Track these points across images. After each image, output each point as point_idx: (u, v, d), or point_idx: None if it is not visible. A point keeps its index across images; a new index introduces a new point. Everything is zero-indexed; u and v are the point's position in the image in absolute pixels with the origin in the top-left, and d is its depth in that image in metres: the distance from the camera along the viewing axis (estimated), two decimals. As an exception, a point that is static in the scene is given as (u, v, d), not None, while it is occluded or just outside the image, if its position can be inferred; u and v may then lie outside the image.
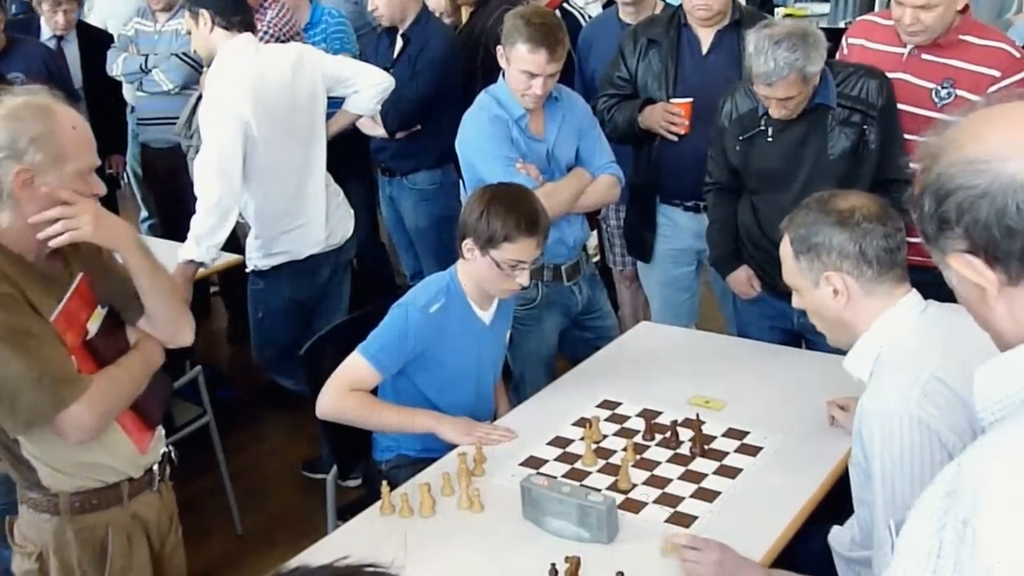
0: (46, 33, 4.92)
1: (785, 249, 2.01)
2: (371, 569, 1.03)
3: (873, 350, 1.92)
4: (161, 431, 2.23)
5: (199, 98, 3.60)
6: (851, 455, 1.99)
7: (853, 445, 1.95)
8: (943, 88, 3.00)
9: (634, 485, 2.29)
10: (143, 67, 4.58)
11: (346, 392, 2.54)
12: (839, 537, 2.04)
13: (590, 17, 4.56)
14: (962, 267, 1.08)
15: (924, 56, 3.04)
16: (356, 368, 2.54)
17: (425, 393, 2.64)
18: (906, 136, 2.96)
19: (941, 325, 1.86)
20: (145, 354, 2.11)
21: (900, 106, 2.99)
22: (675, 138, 3.38)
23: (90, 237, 1.94)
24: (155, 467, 2.16)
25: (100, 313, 2.05)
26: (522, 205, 2.54)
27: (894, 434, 1.76)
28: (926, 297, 1.96)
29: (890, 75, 3.02)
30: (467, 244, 2.55)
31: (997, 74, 2.94)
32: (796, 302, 2.06)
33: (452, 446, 2.50)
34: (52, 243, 1.91)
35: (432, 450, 2.56)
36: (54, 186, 1.88)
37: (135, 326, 2.13)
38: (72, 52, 4.90)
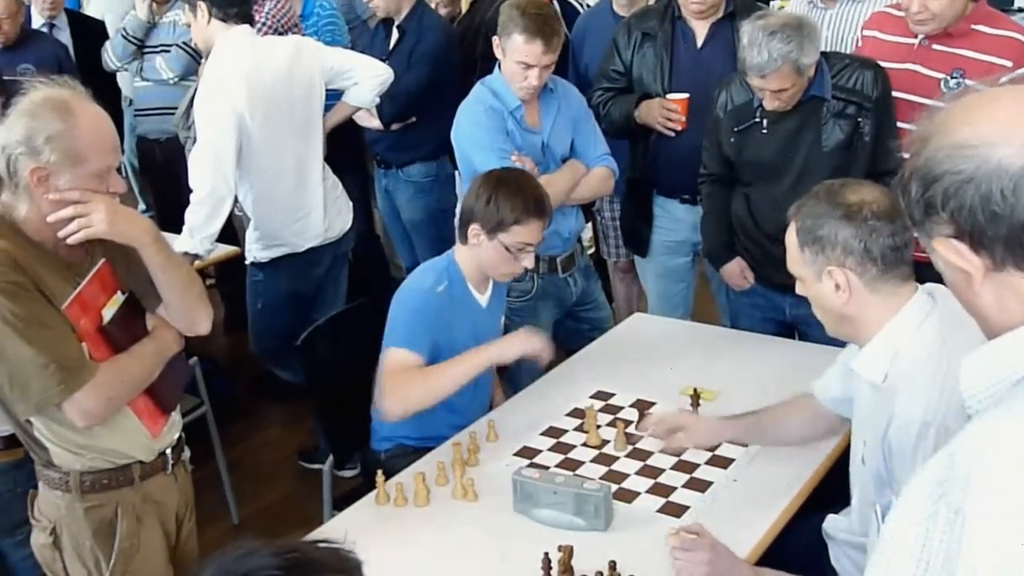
0: (37, 21, 4.92)
1: (791, 238, 1.99)
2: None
3: (888, 352, 1.90)
4: (176, 416, 2.26)
5: (197, 89, 3.61)
6: (852, 454, 1.99)
7: (854, 443, 1.94)
8: (952, 78, 2.99)
9: (626, 475, 2.31)
10: (137, 43, 4.55)
11: (398, 386, 2.47)
12: (836, 524, 2.04)
13: (588, 6, 4.56)
14: (947, 252, 1.07)
15: (935, 46, 3.03)
16: (397, 361, 2.48)
17: None
18: (912, 126, 2.94)
19: (954, 322, 1.81)
20: (159, 341, 2.13)
21: (909, 96, 2.98)
22: (672, 134, 3.38)
23: (104, 234, 1.96)
24: (168, 451, 2.19)
25: (118, 299, 2.07)
26: (529, 188, 2.61)
27: (930, 445, 1.74)
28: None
29: (900, 65, 3.01)
30: (473, 229, 2.58)
31: (1009, 63, 2.92)
32: (800, 290, 2.04)
33: (450, 435, 2.53)
34: (69, 240, 1.95)
35: (431, 439, 2.57)
36: (67, 187, 1.91)
37: (154, 313, 2.16)
38: (64, 39, 4.88)
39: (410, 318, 2.53)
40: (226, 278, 4.79)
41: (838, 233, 1.89)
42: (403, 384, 2.46)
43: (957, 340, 1.76)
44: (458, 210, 3.84)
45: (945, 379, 1.77)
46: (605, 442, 2.45)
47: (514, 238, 2.55)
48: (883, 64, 2.99)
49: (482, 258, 2.62)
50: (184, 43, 4.48)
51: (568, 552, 1.95)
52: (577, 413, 2.59)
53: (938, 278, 1.18)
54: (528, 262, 2.61)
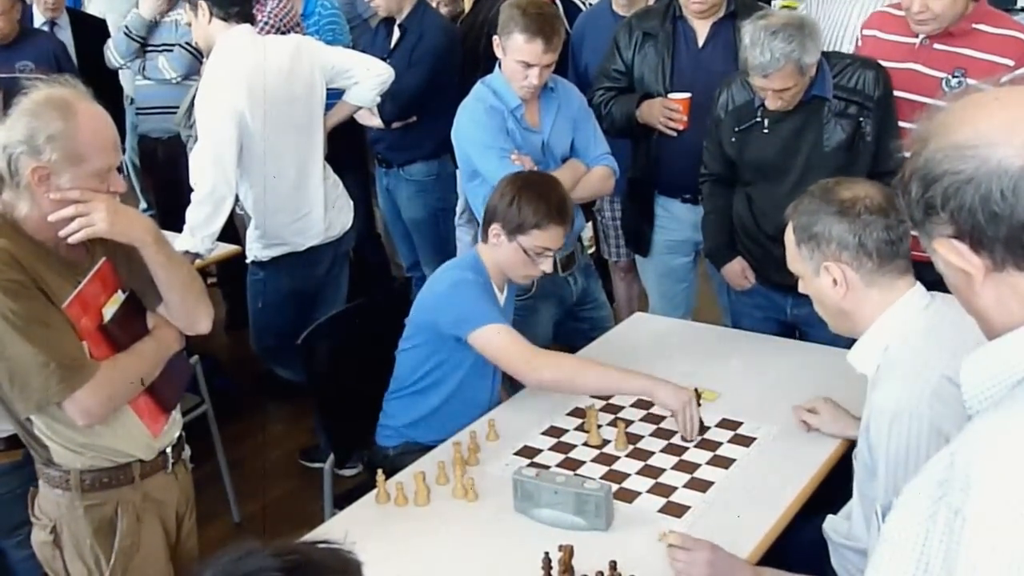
0: (38, 19, 4.92)
1: (789, 236, 2.02)
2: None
3: (879, 345, 1.92)
4: (177, 414, 2.26)
5: (198, 89, 3.61)
6: (856, 449, 2.00)
7: (859, 440, 1.95)
8: (953, 77, 2.98)
9: (627, 475, 2.31)
10: (140, 41, 4.55)
11: (545, 356, 2.51)
12: (835, 525, 2.04)
13: (590, 4, 4.56)
14: (948, 252, 1.07)
15: (936, 46, 3.02)
16: (502, 336, 2.49)
17: (452, 374, 2.64)
18: (913, 126, 2.93)
19: (947, 319, 1.84)
20: (159, 340, 2.14)
21: (911, 96, 2.97)
22: (674, 134, 3.38)
23: (105, 233, 1.96)
24: (169, 449, 2.19)
25: (119, 298, 2.08)
26: (553, 194, 2.62)
27: (903, 433, 1.76)
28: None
29: (901, 65, 3.00)
30: (494, 229, 2.60)
31: (1011, 63, 2.90)
32: (801, 287, 2.06)
33: (454, 433, 2.52)
34: (70, 240, 1.95)
35: (441, 434, 2.56)
36: (68, 186, 1.91)
37: (155, 312, 2.16)
38: (65, 38, 4.88)
39: (479, 300, 2.54)
40: (227, 277, 4.79)
41: (833, 229, 1.92)
42: (557, 360, 2.54)
43: (945, 337, 1.78)
44: (458, 208, 3.90)
45: (921, 373, 1.78)
46: (606, 442, 2.45)
47: (533, 241, 2.57)
48: (884, 64, 2.99)
49: (500, 258, 2.63)
50: (187, 43, 4.48)
51: (568, 552, 1.95)
52: (578, 412, 2.59)
53: (938, 277, 1.17)
54: (546, 266, 2.63)
